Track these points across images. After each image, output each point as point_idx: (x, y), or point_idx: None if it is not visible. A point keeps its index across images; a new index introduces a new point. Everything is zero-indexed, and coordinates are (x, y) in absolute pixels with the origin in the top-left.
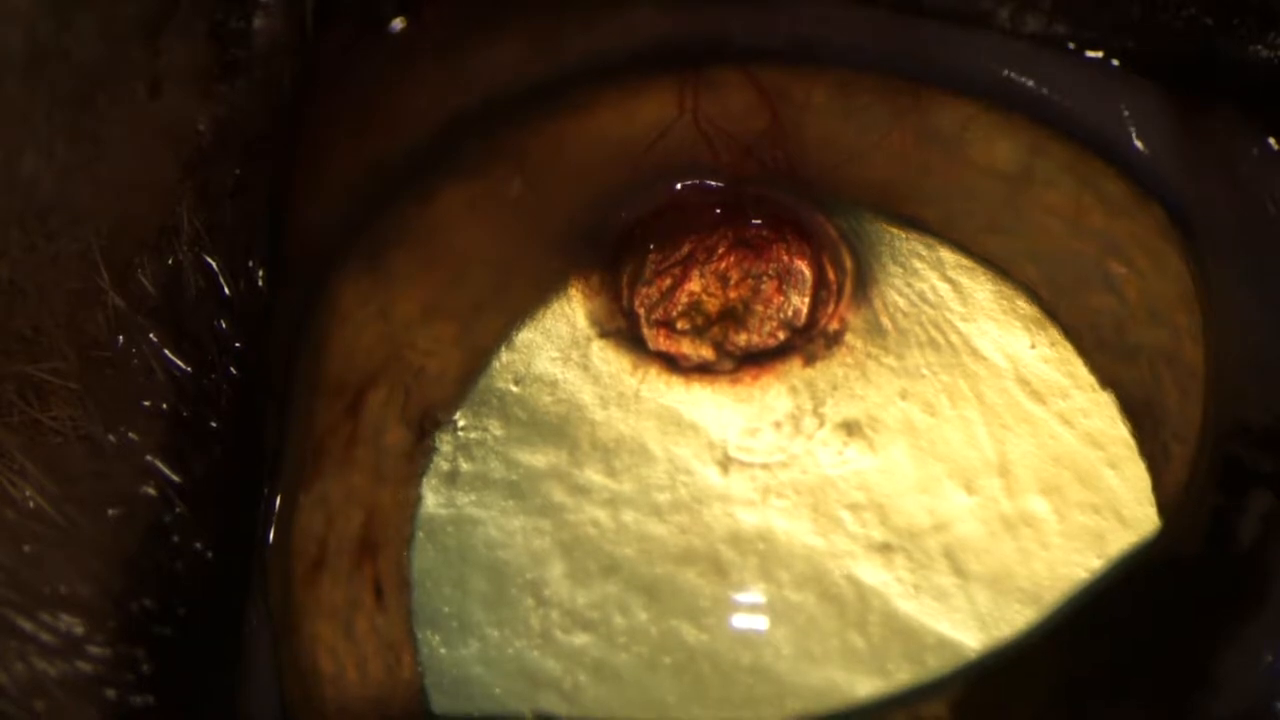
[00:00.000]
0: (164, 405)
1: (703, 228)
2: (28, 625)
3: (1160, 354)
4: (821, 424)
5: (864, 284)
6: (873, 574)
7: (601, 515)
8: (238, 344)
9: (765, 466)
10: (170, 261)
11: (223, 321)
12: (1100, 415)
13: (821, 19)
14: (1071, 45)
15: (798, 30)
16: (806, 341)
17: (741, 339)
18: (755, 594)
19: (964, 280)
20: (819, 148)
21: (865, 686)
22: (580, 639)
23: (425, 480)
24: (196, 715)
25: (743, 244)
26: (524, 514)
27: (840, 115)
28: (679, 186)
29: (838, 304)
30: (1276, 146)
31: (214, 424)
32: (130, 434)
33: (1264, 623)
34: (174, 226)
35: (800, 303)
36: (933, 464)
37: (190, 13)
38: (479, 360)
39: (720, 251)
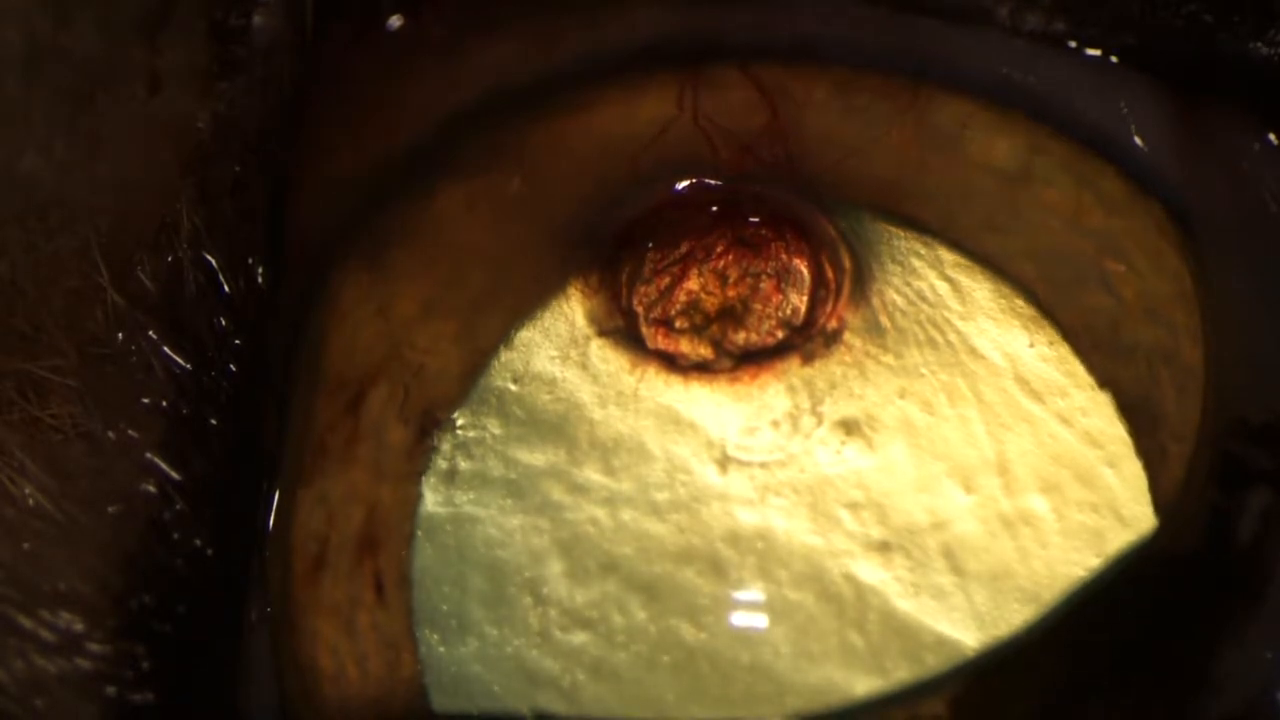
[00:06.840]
0: (164, 402)
1: (702, 226)
2: (27, 622)
3: (1158, 352)
4: (820, 423)
5: (862, 283)
6: (871, 573)
7: (600, 514)
8: (237, 341)
9: (764, 465)
10: (170, 259)
11: (222, 319)
12: (1099, 414)
13: (821, 17)
14: (1071, 43)
15: (797, 28)
16: (805, 340)
17: (740, 338)
18: (754, 593)
19: (962, 279)
20: (818, 145)
21: (864, 685)
22: (579, 637)
23: (424, 479)
24: (196, 712)
25: (741, 242)
26: (523, 512)
27: (840, 113)
28: (678, 185)
29: (836, 303)
30: (1277, 143)
31: (214, 421)
32: (130, 431)
33: (1264, 621)
34: (174, 224)
35: (799, 301)
36: (931, 463)
37: (190, 10)
38: (478, 359)
39: (719, 250)
